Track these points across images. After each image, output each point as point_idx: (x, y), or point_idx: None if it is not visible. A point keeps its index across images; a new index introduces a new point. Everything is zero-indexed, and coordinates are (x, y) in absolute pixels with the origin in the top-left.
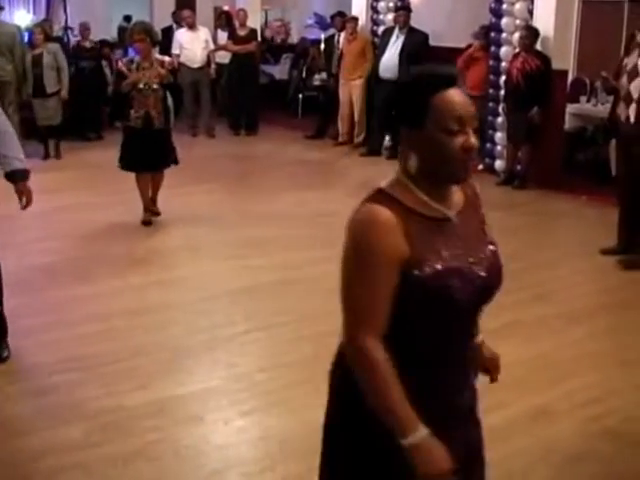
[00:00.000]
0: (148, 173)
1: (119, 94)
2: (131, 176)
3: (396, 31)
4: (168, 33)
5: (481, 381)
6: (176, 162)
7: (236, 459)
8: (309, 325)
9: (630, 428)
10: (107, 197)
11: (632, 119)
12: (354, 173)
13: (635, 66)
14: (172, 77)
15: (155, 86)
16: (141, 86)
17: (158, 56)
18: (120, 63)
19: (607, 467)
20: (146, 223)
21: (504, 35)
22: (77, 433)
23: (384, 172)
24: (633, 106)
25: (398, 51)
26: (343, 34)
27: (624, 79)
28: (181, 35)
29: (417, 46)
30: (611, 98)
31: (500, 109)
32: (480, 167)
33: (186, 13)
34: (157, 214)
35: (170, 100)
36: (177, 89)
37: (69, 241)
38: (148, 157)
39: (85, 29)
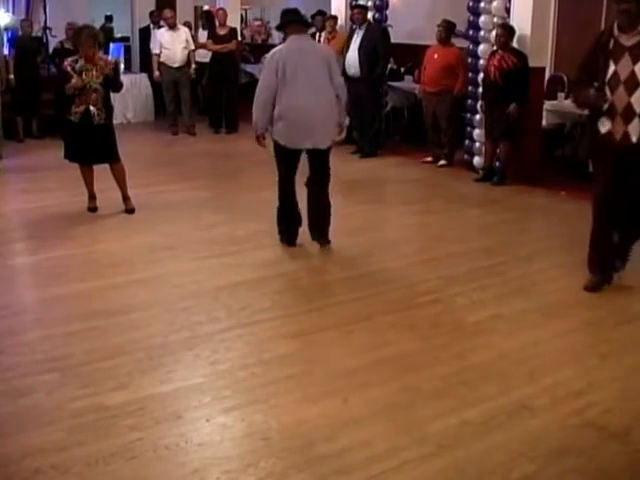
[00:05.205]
0: (90, 165)
1: (63, 95)
2: (102, 175)
3: (357, 28)
4: (146, 33)
5: (460, 378)
6: (115, 158)
7: (218, 457)
8: (291, 322)
9: (612, 421)
10: (83, 197)
11: (634, 138)
12: (336, 170)
13: (633, 75)
14: (111, 74)
15: (96, 85)
16: (84, 84)
17: (102, 56)
18: (66, 62)
19: (590, 460)
20: (91, 210)
21: (482, 33)
22: (57, 434)
23: (365, 169)
24: (635, 122)
25: (357, 47)
26: (324, 33)
27: (620, 90)
28: (161, 35)
29: (374, 41)
30: None
31: (478, 106)
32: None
33: (168, 13)
34: (131, 210)
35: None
36: (158, 88)
37: (48, 240)
38: (88, 151)
39: (70, 29)
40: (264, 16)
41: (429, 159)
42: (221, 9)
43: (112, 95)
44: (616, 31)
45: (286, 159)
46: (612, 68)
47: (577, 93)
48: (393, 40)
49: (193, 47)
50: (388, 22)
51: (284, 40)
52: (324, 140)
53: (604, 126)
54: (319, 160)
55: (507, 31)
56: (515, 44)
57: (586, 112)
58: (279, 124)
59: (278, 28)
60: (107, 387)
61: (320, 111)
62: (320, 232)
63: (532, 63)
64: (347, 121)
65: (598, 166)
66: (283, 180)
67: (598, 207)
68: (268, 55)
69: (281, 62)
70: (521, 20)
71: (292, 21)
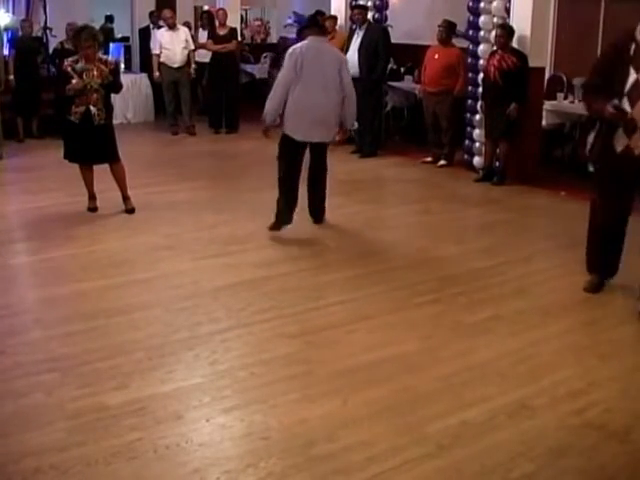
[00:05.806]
0: (90, 166)
1: (63, 96)
2: (102, 175)
3: (357, 29)
4: (146, 33)
5: (460, 378)
6: (115, 159)
7: (218, 457)
8: (291, 322)
9: (611, 420)
10: (83, 197)
11: None
12: (335, 170)
13: None
14: (112, 77)
15: (96, 85)
16: (84, 85)
17: (102, 56)
18: (66, 63)
19: (589, 460)
20: (91, 210)
21: (482, 33)
22: (57, 434)
23: (364, 169)
24: None
25: (357, 48)
26: None
27: None
28: (161, 35)
29: (374, 41)
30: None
31: (478, 106)
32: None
33: (167, 13)
34: (131, 210)
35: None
36: (158, 88)
37: (48, 240)
38: (88, 151)
39: (71, 29)
40: (264, 16)
41: (429, 159)
42: (221, 9)
43: (112, 95)
44: (639, 35)
45: (293, 152)
46: (633, 77)
47: (591, 100)
48: (393, 40)
49: (193, 47)
50: (388, 22)
51: (296, 40)
52: (329, 134)
53: (620, 144)
54: (319, 152)
55: (507, 31)
56: (515, 44)
57: (586, 113)
58: (291, 118)
59: (299, 31)
60: (107, 387)
61: (328, 107)
62: (318, 211)
63: (532, 63)
64: (355, 125)
65: (607, 180)
66: (286, 176)
67: (602, 222)
68: (289, 51)
69: (300, 58)
70: (521, 20)
71: (311, 25)
